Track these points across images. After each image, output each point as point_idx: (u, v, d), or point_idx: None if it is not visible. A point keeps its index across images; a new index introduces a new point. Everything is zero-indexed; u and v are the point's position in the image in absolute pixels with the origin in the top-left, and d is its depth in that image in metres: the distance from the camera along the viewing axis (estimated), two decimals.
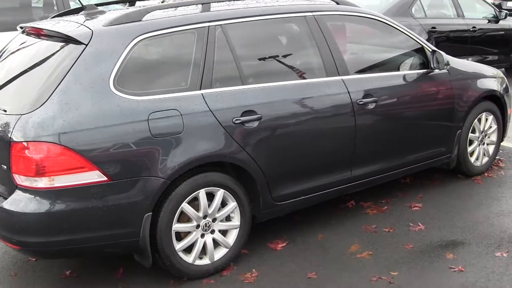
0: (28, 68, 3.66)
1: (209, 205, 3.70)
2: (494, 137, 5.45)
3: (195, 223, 3.68)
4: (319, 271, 3.82)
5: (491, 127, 5.39)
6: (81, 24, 3.64)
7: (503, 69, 9.73)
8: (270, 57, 4.13)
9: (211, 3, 3.94)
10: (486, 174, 5.41)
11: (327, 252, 4.07)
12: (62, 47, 3.54)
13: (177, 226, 3.61)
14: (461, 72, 5.05)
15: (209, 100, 3.63)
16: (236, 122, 3.70)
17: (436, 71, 4.76)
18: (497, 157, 5.72)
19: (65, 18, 4.00)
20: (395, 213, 4.64)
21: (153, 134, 3.42)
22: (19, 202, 3.28)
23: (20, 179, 3.28)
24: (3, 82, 3.70)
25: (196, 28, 3.72)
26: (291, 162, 4.00)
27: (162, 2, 6.19)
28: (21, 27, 4.06)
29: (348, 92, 4.20)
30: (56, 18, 4.09)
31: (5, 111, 3.41)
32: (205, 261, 3.78)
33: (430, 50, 4.77)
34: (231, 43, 3.82)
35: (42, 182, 3.23)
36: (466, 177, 5.32)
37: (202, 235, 3.74)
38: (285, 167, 3.97)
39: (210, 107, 3.62)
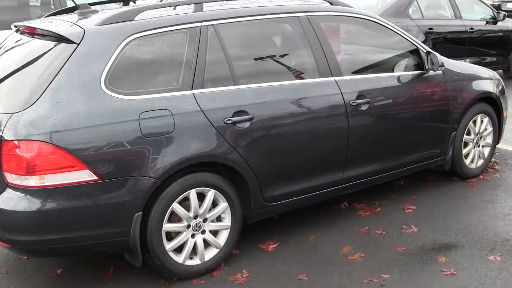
0: (20, 67, 3.66)
1: (200, 206, 3.70)
2: (489, 139, 5.44)
3: (185, 223, 3.68)
4: (310, 273, 3.81)
5: (486, 129, 5.37)
6: (74, 23, 3.64)
7: (501, 70, 9.73)
8: (262, 58, 4.13)
9: (204, 3, 3.93)
10: (481, 176, 5.39)
11: (319, 254, 4.06)
12: (54, 46, 3.53)
13: (167, 226, 3.60)
14: (456, 73, 5.04)
15: (200, 100, 3.63)
16: (228, 122, 3.69)
17: (431, 72, 4.75)
18: (492, 160, 5.70)
19: (58, 17, 4.00)
20: (388, 215, 4.63)
21: (143, 134, 3.42)
22: (10, 200, 3.28)
23: (11, 178, 3.28)
24: None
25: (188, 28, 3.71)
26: (283, 163, 3.99)
27: (160, 1, 6.18)
28: (15, 26, 4.06)
29: (341, 93, 4.19)
30: (49, 17, 4.09)
31: None
32: (196, 261, 3.78)
33: (425, 51, 4.75)
34: (223, 43, 3.81)
35: (33, 181, 3.23)
36: (461, 180, 5.30)
37: (193, 235, 3.73)
38: (277, 168, 3.97)
39: (202, 107, 3.62)
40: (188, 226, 3.70)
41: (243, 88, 3.82)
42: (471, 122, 5.17)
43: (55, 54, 3.47)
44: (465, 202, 4.88)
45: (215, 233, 3.84)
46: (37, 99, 3.27)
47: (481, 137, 5.35)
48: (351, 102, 4.22)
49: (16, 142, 3.21)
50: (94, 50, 3.42)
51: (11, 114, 3.27)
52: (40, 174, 3.22)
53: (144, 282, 3.75)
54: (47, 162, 3.22)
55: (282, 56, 4.22)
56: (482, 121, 5.30)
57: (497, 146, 5.70)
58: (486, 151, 5.44)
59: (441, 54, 5.07)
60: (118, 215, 3.42)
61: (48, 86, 3.29)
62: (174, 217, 3.65)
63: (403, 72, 4.70)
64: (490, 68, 6.03)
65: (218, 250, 3.84)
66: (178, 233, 3.69)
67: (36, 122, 3.22)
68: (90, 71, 3.37)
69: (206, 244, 3.80)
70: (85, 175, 3.29)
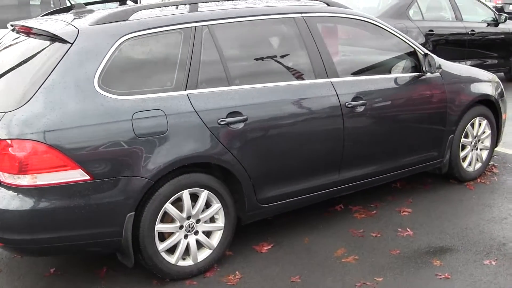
0: (15, 66, 3.65)
1: (193, 206, 3.69)
2: (487, 142, 5.41)
3: (178, 224, 3.67)
4: (303, 275, 3.80)
5: (484, 132, 5.34)
6: (68, 23, 3.63)
7: (502, 73, 9.69)
8: (257, 59, 4.12)
9: (199, 3, 3.92)
10: (478, 179, 5.36)
11: (313, 256, 4.04)
12: (48, 46, 3.53)
13: (160, 227, 3.59)
14: (454, 76, 5.01)
15: (194, 101, 3.62)
16: (221, 123, 3.68)
17: (428, 74, 4.73)
18: (491, 163, 5.68)
19: (53, 16, 4.00)
20: (383, 218, 4.61)
21: (136, 134, 3.41)
22: (2, 199, 3.28)
23: (4, 177, 3.28)
24: None
25: (182, 28, 3.70)
26: (277, 164, 3.98)
27: (162, 0, 6.17)
28: (12, 25, 4.06)
29: (337, 95, 4.17)
30: (45, 17, 4.09)
31: None
32: (189, 262, 3.77)
33: (422, 53, 4.73)
34: (218, 43, 3.80)
35: (25, 180, 3.23)
36: (459, 183, 5.28)
37: (186, 236, 3.72)
38: (271, 169, 3.95)
39: (195, 108, 3.61)
40: (181, 227, 3.69)
41: (237, 89, 3.81)
42: (469, 125, 5.14)
43: (49, 53, 3.46)
44: (462, 205, 4.86)
45: (208, 234, 3.84)
46: (30, 98, 3.27)
47: (479, 140, 5.32)
48: (347, 103, 4.21)
49: (8, 141, 3.21)
50: (88, 50, 3.41)
51: (4, 113, 3.26)
52: (32, 173, 3.22)
53: (136, 282, 3.75)
54: (40, 162, 3.22)
55: (277, 57, 4.20)
56: (480, 124, 5.27)
57: (495, 149, 5.67)
58: (484, 154, 5.41)
59: (442, 56, 5.06)
60: (110, 215, 3.42)
61: (41, 85, 3.29)
62: (167, 218, 3.64)
63: (400, 74, 4.67)
64: (491, 71, 6.01)
65: (211, 251, 3.83)
66: (170, 234, 3.68)
67: (29, 121, 3.22)
68: (84, 71, 3.37)
69: (199, 245, 3.79)
70: (77, 175, 3.29)
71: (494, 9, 9.66)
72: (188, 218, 3.70)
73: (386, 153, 4.59)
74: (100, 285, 3.74)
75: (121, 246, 3.50)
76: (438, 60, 4.79)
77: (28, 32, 3.80)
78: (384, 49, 4.85)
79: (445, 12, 8.90)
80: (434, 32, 8.35)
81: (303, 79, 4.17)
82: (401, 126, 4.63)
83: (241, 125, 3.75)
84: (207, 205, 3.77)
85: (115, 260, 3.72)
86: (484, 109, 5.25)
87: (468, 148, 5.25)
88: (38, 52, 3.55)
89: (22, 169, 3.21)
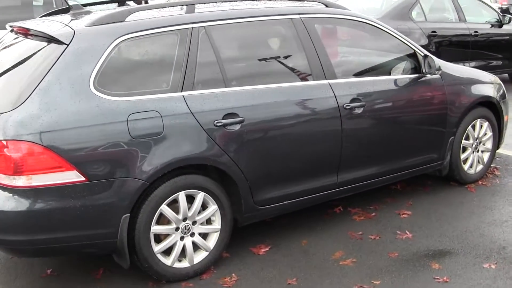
0: (12, 67, 3.66)
1: (189, 208, 3.68)
2: (489, 145, 5.37)
3: (174, 226, 3.66)
4: (300, 278, 3.78)
5: (486, 134, 5.30)
6: (65, 24, 3.63)
7: (506, 74, 9.63)
8: (254, 60, 4.10)
9: (196, 5, 3.90)
10: (480, 182, 5.32)
11: (310, 258, 4.02)
12: (45, 47, 3.53)
13: (155, 228, 3.58)
14: (455, 77, 4.98)
15: (190, 102, 3.61)
16: (218, 124, 3.66)
17: (428, 76, 4.69)
18: (492, 165, 5.63)
19: (51, 18, 3.99)
20: (382, 220, 4.58)
21: (132, 135, 3.40)
22: None
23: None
24: None
25: (179, 29, 3.69)
26: (274, 166, 3.96)
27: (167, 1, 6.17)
28: (10, 26, 4.06)
29: (335, 96, 4.15)
30: (43, 18, 4.09)
31: None
32: (185, 264, 3.76)
33: (422, 54, 4.70)
34: (214, 45, 3.78)
35: (21, 181, 3.23)
36: (459, 185, 5.24)
37: (182, 238, 3.71)
38: (268, 171, 3.93)
39: (191, 109, 3.59)
40: (177, 229, 3.68)
41: (234, 90, 3.79)
42: (470, 126, 5.11)
43: (45, 54, 3.46)
44: (462, 208, 4.82)
45: (204, 236, 3.82)
46: (26, 99, 3.27)
47: (480, 142, 5.28)
48: (345, 105, 4.18)
49: (4, 142, 3.21)
50: (84, 51, 3.41)
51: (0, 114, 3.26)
52: (27, 174, 3.22)
53: (132, 284, 3.74)
54: (35, 163, 3.22)
55: (274, 58, 4.19)
56: (481, 126, 5.24)
57: (497, 151, 5.63)
58: (486, 156, 5.37)
59: (445, 58, 5.04)
60: (105, 216, 3.41)
61: (36, 86, 3.29)
62: (163, 219, 3.63)
63: (400, 76, 4.64)
64: (495, 72, 5.97)
65: (208, 253, 3.81)
66: (167, 235, 3.67)
67: (24, 122, 3.22)
68: (79, 72, 3.36)
69: (196, 246, 3.78)
70: (72, 176, 3.28)
71: (499, 10, 9.59)
72: (184, 219, 3.69)
73: (385, 155, 4.56)
74: (96, 286, 3.73)
75: (117, 247, 3.50)
76: (438, 62, 4.76)
77: (25, 33, 3.81)
78: (383, 51, 4.83)
79: (448, 13, 8.86)
80: (437, 34, 8.30)
81: (300, 80, 4.15)
82: (400, 128, 4.60)
83: (237, 127, 3.73)
84: (204, 206, 3.76)
85: (112, 261, 3.71)
86: (485, 111, 5.22)
87: (469, 150, 5.21)
88: (35, 53, 3.56)
89: (17, 170, 3.21)
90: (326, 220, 4.59)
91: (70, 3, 7.06)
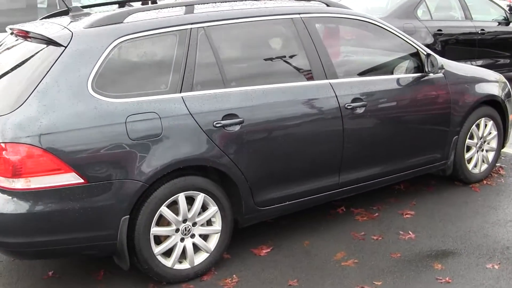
0: (11, 69, 3.66)
1: (189, 209, 3.67)
2: (494, 144, 5.32)
3: (174, 227, 3.65)
4: (301, 278, 3.76)
5: (490, 133, 5.26)
6: (63, 26, 3.63)
7: None
8: (254, 60, 4.09)
9: (196, 5, 3.89)
10: (484, 181, 5.28)
11: (312, 259, 4.00)
12: (43, 49, 3.53)
13: (155, 230, 3.58)
14: (458, 76, 4.94)
15: (189, 103, 3.59)
16: (217, 125, 3.65)
17: (431, 75, 4.66)
18: (498, 164, 5.59)
19: (50, 20, 4.00)
20: (385, 220, 4.55)
21: (130, 137, 3.40)
22: None
23: None
24: None
25: (177, 30, 3.68)
26: (274, 167, 3.94)
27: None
28: (10, 29, 4.07)
29: (336, 96, 4.12)
30: (42, 20, 4.09)
31: None
32: (185, 265, 3.75)
33: (425, 53, 4.66)
34: (213, 45, 3.77)
35: (19, 183, 3.23)
36: (464, 184, 5.20)
37: (182, 239, 3.70)
38: (268, 172, 3.91)
39: (190, 110, 3.58)
40: (177, 230, 3.67)
41: (233, 91, 3.78)
42: (474, 126, 5.06)
43: (43, 56, 3.46)
44: (467, 207, 4.78)
45: (205, 237, 3.81)
46: (24, 102, 3.27)
47: (484, 141, 5.24)
48: (346, 105, 4.15)
49: (2, 144, 3.21)
50: (81, 53, 3.40)
51: None
52: (26, 176, 3.22)
53: (133, 285, 3.74)
54: (33, 165, 3.22)
55: (274, 58, 4.18)
56: (486, 125, 5.19)
57: (503, 150, 5.58)
58: (491, 155, 5.33)
59: (451, 56, 5.00)
60: (104, 218, 3.41)
61: (35, 88, 3.29)
62: (163, 221, 3.63)
63: (402, 75, 4.60)
64: (503, 70, 5.91)
65: (208, 254, 3.80)
66: (167, 237, 3.66)
67: (22, 125, 3.22)
68: (77, 74, 3.36)
69: (196, 248, 3.77)
70: (71, 178, 3.28)
71: (507, 8, 9.49)
72: (184, 221, 3.68)
73: (387, 155, 4.53)
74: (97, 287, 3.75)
75: (117, 249, 3.49)
76: (441, 60, 4.72)
77: (25, 35, 3.81)
78: (385, 50, 4.80)
79: (454, 12, 8.78)
80: (443, 32, 8.24)
81: (301, 80, 4.12)
82: (403, 128, 4.57)
83: (237, 128, 3.72)
84: (204, 208, 3.75)
85: (113, 263, 3.71)
86: (490, 109, 5.17)
87: (474, 150, 5.17)
88: (33, 56, 3.56)
89: (16, 173, 3.21)
90: (329, 221, 4.57)
91: (74, 4, 7.08)
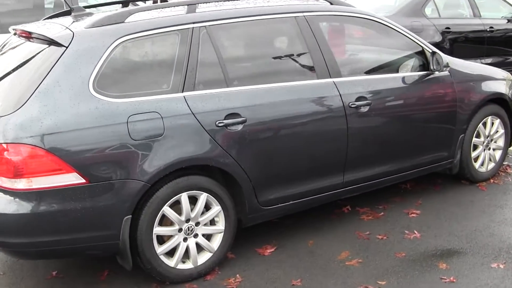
0: (13, 70, 3.66)
1: (192, 209, 3.66)
2: (501, 142, 5.27)
3: (177, 227, 3.64)
4: (304, 278, 3.74)
5: (497, 131, 5.21)
6: (64, 26, 3.63)
7: None
8: (256, 59, 4.08)
9: (198, 4, 3.88)
10: (491, 180, 5.24)
11: (316, 259, 3.98)
12: (44, 49, 3.53)
13: (158, 230, 3.57)
14: (465, 74, 4.90)
15: (191, 103, 3.58)
16: (219, 125, 3.64)
17: (436, 73, 4.62)
18: (505, 163, 5.54)
19: (52, 20, 4.01)
20: (391, 220, 4.52)
21: (132, 137, 3.39)
22: None
23: (1, 181, 3.29)
24: None
25: (179, 29, 3.67)
26: (278, 166, 3.93)
27: None
28: (13, 29, 4.08)
29: (340, 95, 4.10)
30: (45, 21, 4.10)
31: None
32: (188, 265, 3.74)
33: (430, 51, 4.62)
34: (216, 44, 3.76)
35: (21, 184, 3.24)
36: (470, 183, 5.16)
37: (185, 239, 3.69)
38: (272, 172, 3.90)
39: (192, 110, 3.57)
40: (180, 230, 3.66)
41: (236, 90, 3.76)
42: (480, 124, 5.02)
43: (44, 57, 3.47)
44: (473, 206, 4.74)
45: (208, 237, 3.80)
46: (25, 102, 3.27)
47: (491, 140, 5.19)
48: (350, 104, 4.13)
49: (4, 145, 3.22)
50: (83, 53, 3.40)
51: None
52: (28, 177, 3.22)
53: (136, 285, 3.74)
54: (35, 165, 3.23)
55: (278, 57, 4.16)
56: (492, 123, 5.14)
57: (510, 149, 5.52)
58: (498, 154, 5.28)
59: (459, 54, 4.95)
60: (107, 218, 3.41)
61: (36, 89, 3.29)
62: (166, 221, 3.62)
63: (407, 73, 4.57)
64: None
65: (212, 254, 3.79)
66: (170, 237, 3.66)
67: (23, 125, 3.22)
68: (78, 74, 3.36)
69: (199, 248, 3.76)
70: (72, 178, 3.28)
71: None
72: (187, 221, 3.67)
73: (392, 154, 4.50)
74: (101, 287, 3.75)
75: (119, 249, 3.49)
76: (447, 58, 4.68)
77: (27, 36, 3.82)
78: (390, 48, 4.76)
79: (462, 9, 8.72)
80: (451, 30, 8.17)
81: (304, 79, 4.10)
82: (408, 126, 4.54)
83: (240, 127, 3.71)
84: (207, 207, 3.74)
85: (117, 262, 3.71)
86: (497, 108, 5.12)
87: (480, 148, 5.12)
88: (35, 56, 3.56)
89: (18, 173, 3.21)
90: (334, 220, 4.55)
91: (82, 4, 7.10)
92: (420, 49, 4.66)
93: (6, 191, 3.29)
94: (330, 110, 4.09)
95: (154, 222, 3.53)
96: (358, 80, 4.31)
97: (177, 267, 3.69)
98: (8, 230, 3.32)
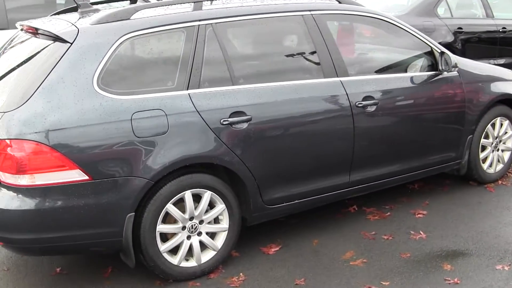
0: (18, 66, 3.67)
1: (196, 207, 3.65)
2: (510, 143, 5.22)
3: (181, 225, 3.64)
4: (308, 278, 3.73)
5: (506, 132, 5.16)
6: (70, 23, 3.64)
7: None
8: (262, 58, 4.06)
9: (204, 1, 3.87)
10: (500, 181, 5.19)
11: (320, 258, 3.97)
12: (49, 45, 3.53)
13: (161, 227, 3.57)
14: (474, 74, 4.85)
15: (196, 101, 3.58)
16: (224, 123, 3.63)
17: (445, 73, 4.58)
18: None
19: (58, 16, 4.02)
20: (397, 220, 4.50)
21: (136, 134, 3.39)
22: (2, 199, 3.30)
23: (4, 177, 3.30)
24: None
25: (185, 27, 3.66)
26: (283, 165, 3.91)
27: None
28: (20, 25, 4.09)
29: (347, 94, 4.07)
30: (51, 17, 4.11)
31: None
32: (192, 263, 3.74)
33: (439, 51, 4.58)
34: (222, 42, 3.74)
35: (24, 180, 3.24)
36: (478, 184, 5.12)
37: (189, 237, 3.69)
38: (277, 171, 3.88)
39: (197, 108, 3.56)
40: (184, 228, 3.66)
41: (241, 88, 3.75)
42: (489, 125, 4.97)
43: (49, 53, 3.46)
44: (480, 208, 4.70)
45: (212, 235, 3.79)
46: (29, 98, 3.27)
47: (500, 141, 5.14)
48: (357, 103, 4.10)
49: (7, 141, 3.22)
50: (87, 49, 3.40)
51: (3, 113, 3.28)
52: (31, 173, 3.23)
53: (140, 282, 3.74)
54: (38, 162, 3.23)
55: (284, 56, 4.15)
56: (501, 124, 5.09)
57: None
58: (506, 155, 5.23)
59: (471, 55, 4.90)
60: (110, 215, 3.41)
61: (40, 85, 3.29)
62: (169, 218, 3.62)
63: (415, 73, 4.53)
64: None
65: (216, 252, 3.78)
66: (173, 234, 3.65)
67: (27, 121, 3.22)
68: (83, 71, 3.36)
69: (203, 246, 3.75)
70: (76, 175, 3.28)
71: None
72: (191, 219, 3.66)
73: (399, 154, 4.47)
74: (104, 284, 3.74)
75: (122, 246, 3.49)
76: (455, 58, 4.63)
77: (33, 32, 3.82)
78: (398, 47, 4.73)
79: (475, 10, 8.63)
80: (463, 30, 8.10)
81: (311, 78, 4.08)
82: (415, 126, 4.50)
83: (244, 125, 3.69)
84: (211, 206, 3.73)
85: (121, 260, 3.71)
86: (506, 109, 5.07)
87: (489, 149, 5.08)
88: (40, 52, 3.56)
89: (21, 169, 3.22)
90: (339, 220, 4.52)
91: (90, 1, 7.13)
92: (429, 49, 4.62)
93: (9, 187, 3.30)
94: (337, 109, 4.06)
95: (158, 219, 3.53)
96: (366, 79, 4.28)
97: (181, 265, 3.69)
98: (11, 226, 3.33)
